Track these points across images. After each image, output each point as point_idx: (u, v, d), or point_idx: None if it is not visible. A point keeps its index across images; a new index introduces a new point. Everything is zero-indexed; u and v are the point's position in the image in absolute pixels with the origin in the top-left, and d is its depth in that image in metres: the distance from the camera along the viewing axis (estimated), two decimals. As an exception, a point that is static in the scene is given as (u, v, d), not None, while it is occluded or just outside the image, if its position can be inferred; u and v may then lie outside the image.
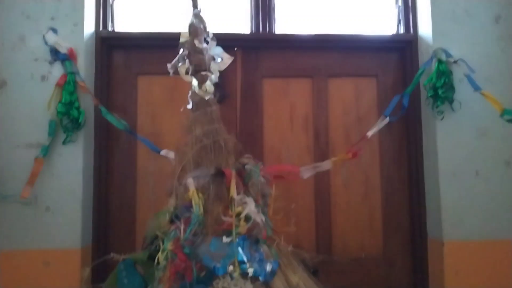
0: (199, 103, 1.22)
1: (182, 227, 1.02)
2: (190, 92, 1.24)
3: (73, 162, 1.61)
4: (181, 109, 1.26)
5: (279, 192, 1.29)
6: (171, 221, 1.06)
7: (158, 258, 1.00)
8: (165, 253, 1.00)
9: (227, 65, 1.30)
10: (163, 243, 1.02)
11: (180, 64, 1.22)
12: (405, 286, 1.86)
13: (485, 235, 1.71)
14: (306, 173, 1.62)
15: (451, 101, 1.71)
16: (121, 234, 1.76)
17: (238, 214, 1.05)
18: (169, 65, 1.26)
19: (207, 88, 1.20)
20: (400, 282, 1.86)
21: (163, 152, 1.62)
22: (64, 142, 1.60)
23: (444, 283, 1.68)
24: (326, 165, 1.66)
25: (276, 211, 1.24)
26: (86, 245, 1.63)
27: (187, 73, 1.22)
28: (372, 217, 1.90)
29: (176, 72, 1.25)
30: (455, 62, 1.72)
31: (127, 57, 1.84)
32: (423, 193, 1.83)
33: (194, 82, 1.21)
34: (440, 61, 1.71)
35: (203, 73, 1.20)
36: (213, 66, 1.23)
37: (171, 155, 1.56)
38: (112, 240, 1.73)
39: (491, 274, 1.70)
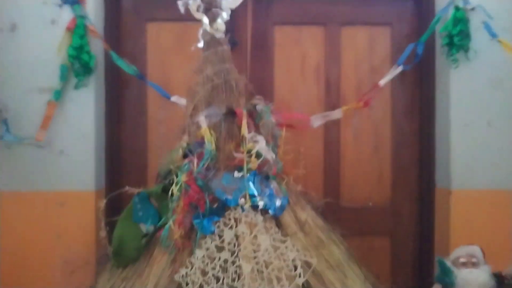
0: (210, 42, 1.21)
1: (195, 161, 1.04)
2: (201, 31, 1.23)
3: (85, 106, 1.63)
4: (192, 48, 1.25)
5: (289, 135, 1.31)
6: (184, 156, 1.08)
7: (172, 190, 1.03)
8: (179, 185, 1.02)
9: (239, 2, 1.28)
10: (176, 176, 1.04)
11: (191, 1, 1.20)
12: (410, 235, 1.89)
13: (494, 185, 1.71)
14: (317, 121, 1.62)
15: (466, 50, 1.67)
16: (133, 180, 1.79)
17: (249, 151, 1.06)
18: (180, 2, 1.24)
19: (218, 26, 1.18)
20: (406, 231, 1.89)
21: (173, 98, 1.63)
22: (76, 87, 1.61)
23: (450, 232, 1.71)
24: (336, 114, 1.65)
25: (286, 153, 1.26)
26: (100, 188, 1.67)
27: (198, 10, 1.20)
28: (381, 169, 1.91)
29: (187, 9, 1.23)
30: (472, 9, 1.67)
31: (136, 2, 1.81)
32: (433, 144, 1.82)
33: (205, 20, 1.20)
34: (457, 8, 1.66)
35: (214, 10, 1.18)
36: (224, 4, 1.21)
37: (182, 101, 1.57)
38: (125, 184, 1.76)
39: (498, 224, 1.71)
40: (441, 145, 1.79)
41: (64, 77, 1.59)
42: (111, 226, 1.15)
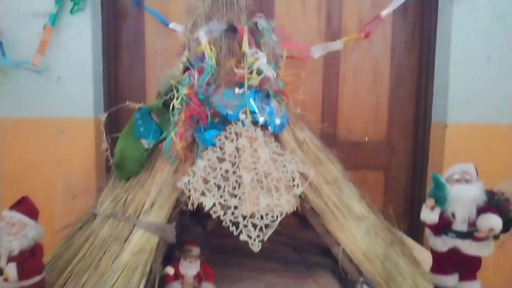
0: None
1: (195, 75, 1.04)
2: None
3: (81, 32, 1.60)
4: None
5: (289, 63, 1.30)
6: (185, 70, 1.08)
7: (173, 104, 1.03)
8: (179, 99, 1.03)
9: None
10: (177, 91, 1.05)
11: None
12: (404, 169, 1.94)
13: (491, 119, 1.74)
14: (317, 52, 1.60)
15: (470, -18, 1.64)
16: (132, 110, 1.80)
17: (250, 67, 1.06)
18: None
19: None
20: (400, 165, 1.94)
21: (171, 25, 1.60)
22: (71, 11, 1.57)
23: (443, 165, 1.75)
24: (337, 45, 1.63)
25: (286, 75, 1.26)
26: (99, 117, 1.67)
27: None
28: (378, 105, 1.92)
29: None
30: None
31: None
32: (431, 79, 1.83)
33: None
34: None
35: None
36: None
37: (179, 28, 1.54)
38: (123, 114, 1.76)
39: (493, 157, 1.76)
40: (439, 80, 1.79)
41: (59, 1, 1.54)
42: (113, 142, 1.16)
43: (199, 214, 1.13)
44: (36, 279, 0.93)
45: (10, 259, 0.90)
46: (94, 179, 1.65)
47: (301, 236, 1.59)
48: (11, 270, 0.88)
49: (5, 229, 0.90)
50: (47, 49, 1.56)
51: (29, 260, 0.91)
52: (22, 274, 0.89)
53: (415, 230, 1.86)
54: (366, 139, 1.93)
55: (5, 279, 0.89)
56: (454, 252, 1.09)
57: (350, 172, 1.27)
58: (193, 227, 1.26)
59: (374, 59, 1.89)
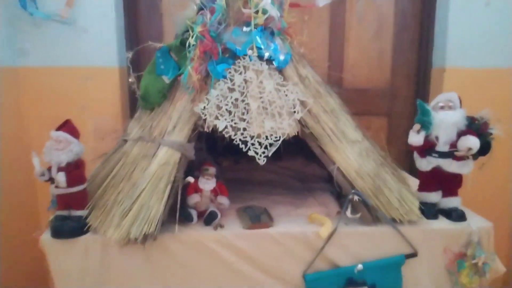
0: None
1: (208, 14, 1.18)
2: None
3: (104, -14, 1.74)
4: None
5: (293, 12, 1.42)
6: (198, 11, 1.23)
7: (188, 42, 1.18)
8: (194, 36, 1.18)
9: None
10: (192, 30, 1.19)
11: None
12: (406, 114, 2.06)
13: (490, 64, 1.83)
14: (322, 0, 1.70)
15: None
16: (152, 52, 1.94)
17: (256, 7, 1.19)
18: None
19: None
20: (402, 111, 2.06)
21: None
22: (94, -35, 1.71)
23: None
24: (341, -8, 1.73)
25: (291, 16, 1.38)
26: (123, 66, 1.84)
27: None
28: (382, 53, 2.03)
29: None
30: None
31: None
32: (432, 26, 1.92)
33: None
34: None
35: None
36: None
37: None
38: (143, 59, 1.90)
39: (489, 101, 1.85)
40: (440, 27, 1.88)
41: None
42: (137, 79, 1.32)
43: (216, 153, 1.30)
44: (80, 187, 1.13)
45: (59, 169, 1.09)
46: (120, 122, 1.83)
47: (306, 170, 1.76)
48: (61, 178, 1.07)
49: (54, 146, 1.09)
50: (74, 2, 1.71)
51: (74, 171, 1.10)
52: (69, 182, 1.09)
53: (415, 173, 2.00)
54: (370, 87, 2.04)
55: (56, 186, 1.09)
56: (437, 171, 1.24)
57: (354, 118, 1.39)
58: (209, 158, 1.45)
59: (378, 8, 1.98)
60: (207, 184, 1.23)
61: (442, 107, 1.23)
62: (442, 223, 1.23)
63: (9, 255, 1.68)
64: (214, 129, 1.16)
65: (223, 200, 1.25)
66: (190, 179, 1.15)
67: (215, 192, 1.26)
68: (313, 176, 1.67)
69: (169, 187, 1.10)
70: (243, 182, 1.61)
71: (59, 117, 1.17)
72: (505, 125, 1.30)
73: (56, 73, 1.79)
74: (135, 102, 1.37)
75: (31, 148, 1.20)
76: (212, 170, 1.25)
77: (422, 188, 1.29)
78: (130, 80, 1.26)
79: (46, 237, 1.14)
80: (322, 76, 1.95)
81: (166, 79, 1.26)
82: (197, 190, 1.23)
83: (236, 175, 1.70)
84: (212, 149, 1.66)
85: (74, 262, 1.14)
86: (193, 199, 1.22)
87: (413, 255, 1.19)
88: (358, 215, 1.19)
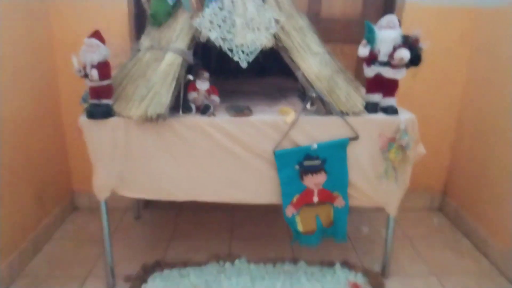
0: None
1: None
2: None
3: None
4: None
5: None
6: None
7: (188, -29, 1.51)
8: (192, -35, 1.51)
9: None
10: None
11: None
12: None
13: (450, 2, 2.15)
14: None
15: None
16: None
17: None
18: None
19: None
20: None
21: None
22: None
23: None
24: None
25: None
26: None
27: None
28: (355, -14, 2.34)
29: None
30: None
31: None
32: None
33: None
34: None
35: None
36: None
37: None
38: None
39: (448, 41, 2.22)
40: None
41: None
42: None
43: (209, 72, 1.64)
44: (108, 82, 1.51)
45: (92, 67, 1.47)
46: (129, 43, 2.18)
47: (284, 84, 2.15)
48: (94, 73, 1.45)
49: (88, 49, 1.46)
50: None
51: (103, 68, 1.48)
52: (100, 76, 1.47)
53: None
54: (344, 17, 2.37)
55: (90, 80, 1.47)
56: (378, 77, 1.63)
57: (328, 45, 1.74)
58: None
59: None
60: (203, 84, 1.62)
61: (384, 27, 1.59)
62: (379, 116, 1.64)
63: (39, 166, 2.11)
64: (208, 40, 1.52)
65: (215, 98, 1.65)
66: (190, 77, 1.54)
67: (208, 92, 1.64)
68: (289, 88, 2.06)
69: (174, 81, 1.49)
70: (231, 93, 2.00)
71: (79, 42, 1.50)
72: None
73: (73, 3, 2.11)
74: (141, 27, 1.71)
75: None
76: (207, 74, 1.63)
77: (368, 91, 1.69)
78: (142, 0, 1.60)
79: (83, 119, 1.54)
80: (302, 8, 2.30)
81: (170, 1, 1.60)
82: (195, 89, 1.62)
83: (226, 87, 2.09)
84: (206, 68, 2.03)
85: (105, 138, 1.55)
86: (192, 95, 1.61)
87: (355, 138, 1.61)
88: (315, 108, 1.59)
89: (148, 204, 2.58)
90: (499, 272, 1.94)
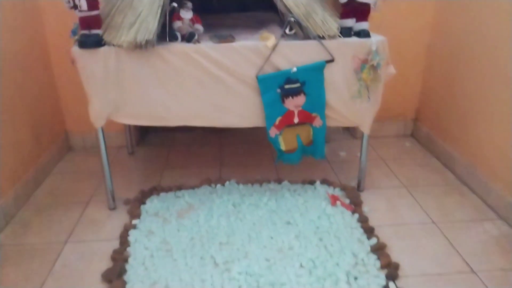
0: None
1: None
2: None
3: None
4: None
5: None
6: None
7: None
8: None
9: None
10: None
11: None
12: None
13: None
14: None
15: None
16: None
17: None
18: None
19: None
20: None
21: None
22: None
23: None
24: None
25: None
26: None
27: None
28: None
29: None
30: None
31: None
32: None
33: None
34: None
35: None
36: None
37: None
38: None
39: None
40: None
41: None
42: None
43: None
44: (97, 12, 1.59)
45: (81, -2, 1.54)
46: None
47: (265, 17, 2.24)
48: (83, 2, 1.52)
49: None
50: None
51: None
52: (89, 6, 1.55)
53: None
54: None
55: (80, 10, 1.55)
56: (351, 3, 1.74)
57: None
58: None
59: None
60: (187, 14, 1.71)
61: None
62: (353, 39, 1.77)
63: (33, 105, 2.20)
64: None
65: (199, 26, 1.74)
66: (174, 4, 1.62)
67: (192, 21, 1.74)
68: (270, 19, 2.15)
69: (160, 9, 1.58)
70: (214, 26, 2.09)
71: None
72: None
73: None
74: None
75: None
76: (190, 4, 1.72)
77: (342, 16, 1.80)
78: None
79: (75, 49, 1.63)
80: None
81: None
82: (179, 18, 1.70)
83: (208, 22, 2.17)
84: None
85: (97, 67, 1.65)
86: (177, 24, 1.70)
87: (331, 61, 1.74)
88: (293, 32, 1.71)
89: (140, 142, 2.72)
90: (462, 183, 2.17)
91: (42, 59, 2.29)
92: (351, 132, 2.80)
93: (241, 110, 1.80)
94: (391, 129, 2.73)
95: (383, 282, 1.47)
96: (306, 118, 1.85)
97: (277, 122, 1.83)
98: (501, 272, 1.54)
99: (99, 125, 1.78)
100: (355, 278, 1.49)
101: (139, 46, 1.57)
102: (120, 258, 1.60)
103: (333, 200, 1.97)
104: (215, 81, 1.73)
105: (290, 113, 1.83)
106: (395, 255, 1.62)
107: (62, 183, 2.22)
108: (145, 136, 2.82)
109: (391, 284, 1.46)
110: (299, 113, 1.84)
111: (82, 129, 2.56)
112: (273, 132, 1.85)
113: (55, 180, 2.25)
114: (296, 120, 1.85)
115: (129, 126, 2.51)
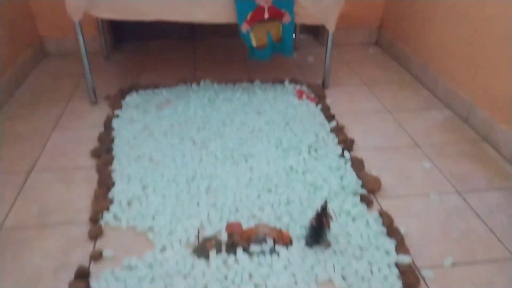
0: None
1: None
2: None
3: None
4: None
5: None
6: None
7: None
8: None
9: None
10: None
11: None
12: None
13: None
14: None
15: None
16: None
17: None
18: None
19: None
20: None
21: None
22: None
23: None
24: None
25: None
26: None
27: None
28: None
29: None
30: None
31: None
32: None
33: None
34: None
35: None
36: None
37: None
38: None
39: None
40: None
41: None
42: None
43: None
44: None
45: None
46: None
47: None
48: None
49: None
50: None
51: None
52: None
53: None
54: None
55: None
56: None
57: None
58: None
59: None
60: None
61: None
62: None
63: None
64: None
65: None
66: None
67: None
68: None
69: None
70: None
71: None
72: None
73: None
74: None
75: None
76: None
77: None
78: None
79: None
80: None
81: None
82: None
83: None
84: None
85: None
86: None
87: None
88: None
89: (115, 49, 2.77)
90: (417, 81, 2.40)
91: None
92: (320, 40, 2.93)
93: (214, 6, 1.89)
94: (357, 37, 2.88)
95: (339, 152, 1.71)
96: (275, 14, 1.97)
97: (248, 17, 1.94)
98: (440, 146, 1.80)
99: (77, 18, 1.85)
100: (316, 150, 1.72)
101: None
102: (106, 140, 1.76)
103: (300, 94, 2.16)
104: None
105: (261, 9, 1.94)
106: (352, 134, 1.86)
107: (42, 83, 2.30)
108: (119, 44, 2.87)
109: (346, 153, 1.70)
110: (269, 8, 1.95)
111: (56, 35, 2.59)
112: (244, 27, 1.97)
113: (35, 80, 2.33)
114: (266, 15, 1.96)
115: (103, 30, 2.55)
